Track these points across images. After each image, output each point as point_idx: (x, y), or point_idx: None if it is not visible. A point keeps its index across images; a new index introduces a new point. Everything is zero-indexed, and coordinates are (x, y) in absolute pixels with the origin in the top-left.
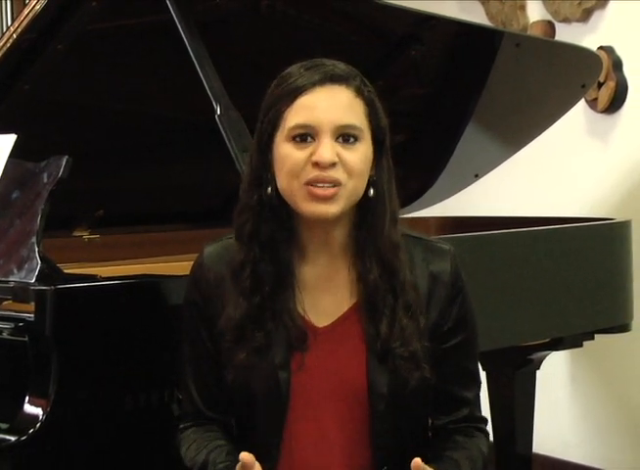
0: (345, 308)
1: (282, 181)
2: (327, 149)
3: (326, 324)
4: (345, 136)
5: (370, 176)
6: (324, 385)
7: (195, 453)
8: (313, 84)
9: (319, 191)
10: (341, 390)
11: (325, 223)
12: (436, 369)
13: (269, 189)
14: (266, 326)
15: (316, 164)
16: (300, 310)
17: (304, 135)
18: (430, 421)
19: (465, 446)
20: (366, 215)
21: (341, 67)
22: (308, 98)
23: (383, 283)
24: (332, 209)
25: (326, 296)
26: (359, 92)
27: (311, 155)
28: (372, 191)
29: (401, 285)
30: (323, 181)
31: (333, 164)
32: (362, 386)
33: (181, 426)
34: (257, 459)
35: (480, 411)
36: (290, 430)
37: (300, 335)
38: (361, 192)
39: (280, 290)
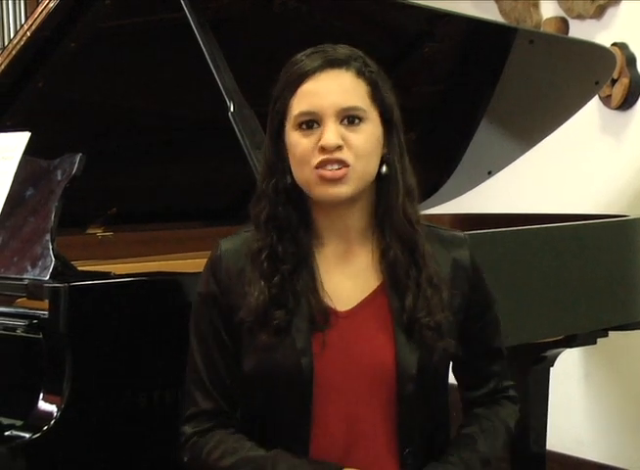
0: (369, 292)
1: (295, 169)
2: (331, 133)
3: (347, 308)
4: (350, 118)
5: (383, 154)
6: (348, 368)
7: (222, 455)
8: (314, 71)
9: (328, 173)
10: (367, 372)
11: (340, 207)
12: (464, 349)
13: (288, 178)
14: (287, 305)
15: (323, 149)
16: (321, 294)
17: (310, 122)
18: (460, 397)
19: (485, 417)
20: (382, 194)
21: (341, 50)
22: (310, 85)
23: (405, 258)
24: (343, 189)
25: (347, 281)
26: (360, 73)
27: (318, 141)
28: (384, 168)
29: (422, 257)
30: (331, 163)
31: (339, 147)
32: (390, 367)
33: (197, 429)
34: (286, 445)
35: (507, 379)
36: (317, 413)
37: (322, 315)
38: (373, 171)
39: (300, 270)
